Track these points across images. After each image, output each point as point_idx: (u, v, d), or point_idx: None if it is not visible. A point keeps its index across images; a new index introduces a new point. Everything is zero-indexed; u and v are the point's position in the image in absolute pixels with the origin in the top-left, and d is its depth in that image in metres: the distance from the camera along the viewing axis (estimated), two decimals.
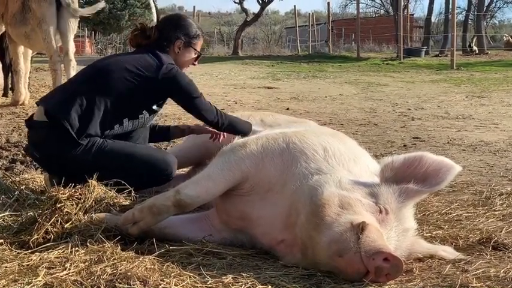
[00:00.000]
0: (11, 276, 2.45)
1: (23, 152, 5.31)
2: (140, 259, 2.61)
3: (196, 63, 4.14)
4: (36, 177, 4.31)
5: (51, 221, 2.94)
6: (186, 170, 4.42)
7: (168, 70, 3.79)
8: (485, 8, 34.35)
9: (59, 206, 3.02)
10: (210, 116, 3.88)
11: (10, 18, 8.53)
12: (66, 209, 3.01)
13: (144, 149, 3.86)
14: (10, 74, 9.80)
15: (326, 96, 11.76)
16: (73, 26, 8.30)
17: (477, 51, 27.03)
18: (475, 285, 2.41)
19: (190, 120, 6.52)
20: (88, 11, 8.54)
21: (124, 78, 3.74)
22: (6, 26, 8.77)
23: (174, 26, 4.02)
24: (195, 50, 4.05)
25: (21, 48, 9.04)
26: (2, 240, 2.88)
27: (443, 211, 3.69)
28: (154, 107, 3.90)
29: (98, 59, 4.18)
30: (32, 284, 2.36)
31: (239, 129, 3.92)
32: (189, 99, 3.87)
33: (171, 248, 2.84)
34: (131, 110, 3.81)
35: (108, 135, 3.75)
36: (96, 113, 3.68)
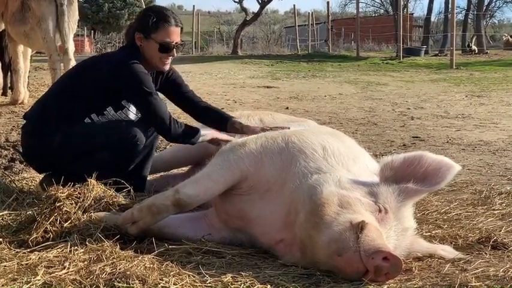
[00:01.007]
0: (10, 275, 2.45)
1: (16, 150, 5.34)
2: (139, 258, 2.61)
3: (172, 53, 3.87)
4: (35, 177, 4.31)
5: (50, 220, 2.94)
6: (185, 169, 4.41)
7: (119, 61, 3.75)
8: (484, 8, 34.35)
9: (58, 205, 3.02)
10: (162, 120, 3.72)
11: (10, 17, 8.53)
12: (65, 208, 3.02)
13: (105, 123, 3.82)
14: (9, 73, 9.79)
15: (325, 96, 11.76)
16: (72, 25, 8.30)
17: (476, 51, 27.02)
18: (474, 284, 2.40)
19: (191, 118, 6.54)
20: None
21: (84, 74, 3.83)
22: (6, 25, 8.77)
23: (135, 20, 4.01)
24: (156, 41, 3.80)
25: (20, 47, 9.04)
26: (1, 239, 2.88)
27: (442, 210, 3.69)
28: (123, 102, 3.85)
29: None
30: (31, 283, 2.36)
31: (188, 140, 3.83)
32: (138, 93, 3.71)
33: (170, 247, 2.84)
34: (95, 104, 3.80)
35: None
36: (55, 109, 3.76)
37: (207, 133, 3.88)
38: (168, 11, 3.90)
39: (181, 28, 3.94)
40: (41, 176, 4.05)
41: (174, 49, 3.87)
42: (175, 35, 3.86)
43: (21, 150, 4.01)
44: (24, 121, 3.97)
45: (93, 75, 3.78)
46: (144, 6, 9.56)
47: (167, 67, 3.94)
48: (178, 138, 3.83)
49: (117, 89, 3.74)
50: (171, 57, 3.90)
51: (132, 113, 3.90)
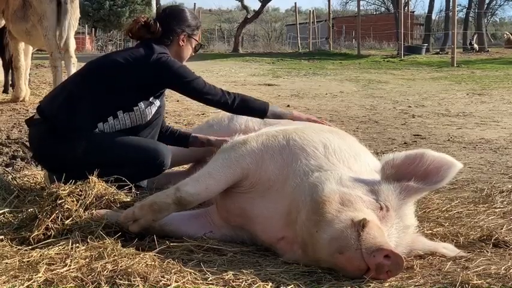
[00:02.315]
0: (11, 272, 2.45)
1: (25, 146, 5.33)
2: (141, 255, 2.61)
3: (194, 53, 4.14)
4: (37, 174, 4.31)
5: (51, 218, 2.95)
6: (186, 167, 4.42)
7: (157, 57, 3.75)
8: (486, 6, 34.33)
9: (59, 202, 3.03)
10: (215, 97, 3.79)
11: (11, 14, 8.52)
12: (66, 206, 3.02)
13: (135, 139, 3.81)
14: (10, 71, 9.78)
15: (326, 94, 11.76)
16: (74, 22, 8.29)
17: (477, 49, 27.00)
18: (475, 282, 2.40)
19: (191, 117, 6.52)
20: None
21: (113, 70, 3.77)
22: (7, 23, 8.76)
23: (178, 19, 4.01)
24: (196, 41, 4.06)
25: (21, 45, 9.03)
26: (2, 237, 2.89)
27: (443, 208, 3.69)
28: (151, 99, 3.84)
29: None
30: (32, 280, 2.37)
31: (254, 107, 3.83)
32: (184, 84, 3.78)
33: (171, 244, 2.84)
34: (124, 101, 3.76)
35: (105, 130, 3.74)
36: (83, 105, 3.70)
37: (284, 110, 3.92)
38: None
39: None
40: (42, 172, 4.06)
41: None
42: None
43: (29, 146, 3.94)
44: (31, 114, 3.91)
45: (130, 73, 3.74)
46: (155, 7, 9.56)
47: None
48: (243, 110, 3.86)
49: (155, 85, 3.80)
50: None
51: (156, 106, 3.92)
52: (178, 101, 8.96)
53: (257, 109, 3.82)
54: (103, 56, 4.09)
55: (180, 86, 3.82)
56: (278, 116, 3.82)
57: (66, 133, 3.67)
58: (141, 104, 3.80)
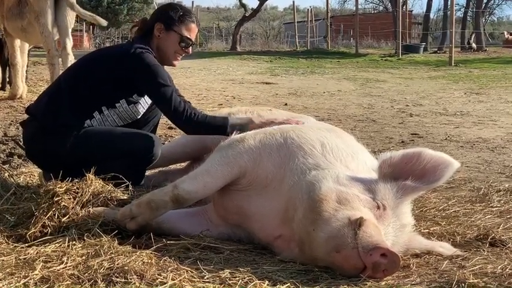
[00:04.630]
0: (7, 270, 2.45)
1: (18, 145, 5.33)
2: (137, 253, 2.61)
3: (188, 51, 3.98)
4: (34, 171, 4.31)
5: (48, 215, 2.94)
6: (183, 164, 4.41)
7: (133, 50, 3.73)
8: (484, 5, 34.30)
9: (56, 199, 3.02)
10: (176, 111, 3.64)
11: (6, 11, 8.52)
12: (63, 203, 3.02)
13: (124, 130, 3.82)
14: (7, 68, 9.78)
15: (324, 92, 11.76)
16: (71, 20, 8.29)
17: (476, 48, 27.01)
18: (471, 281, 2.40)
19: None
20: (87, 16, 8.47)
21: (94, 67, 3.82)
22: (2, 20, 8.75)
23: (157, 12, 4.05)
24: (178, 33, 3.90)
25: (17, 42, 9.03)
26: None
27: (440, 207, 3.69)
28: (135, 97, 3.84)
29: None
30: (28, 278, 2.36)
31: (216, 124, 3.65)
32: (153, 84, 3.68)
33: (168, 242, 2.84)
34: (104, 97, 3.79)
35: (94, 126, 3.78)
36: (65, 102, 3.74)
37: (243, 119, 3.71)
38: (191, 11, 4.08)
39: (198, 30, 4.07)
40: (39, 169, 4.06)
41: (190, 46, 3.99)
42: (194, 33, 3.99)
43: (22, 145, 3.98)
44: (27, 116, 3.95)
45: (105, 66, 3.78)
46: (156, 4, 9.60)
47: (178, 63, 4.02)
48: (199, 130, 3.71)
49: (129, 79, 3.73)
50: (183, 54, 3.98)
51: (142, 107, 3.91)
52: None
53: (219, 125, 3.64)
54: (89, 53, 4.11)
55: (146, 85, 3.73)
56: (239, 128, 3.52)
57: (54, 130, 3.72)
58: (123, 101, 3.81)
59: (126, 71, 3.72)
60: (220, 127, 3.62)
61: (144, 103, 3.91)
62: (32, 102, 4.18)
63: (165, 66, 3.91)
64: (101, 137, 3.72)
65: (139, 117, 3.93)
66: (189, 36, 3.94)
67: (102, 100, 3.79)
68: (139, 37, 3.94)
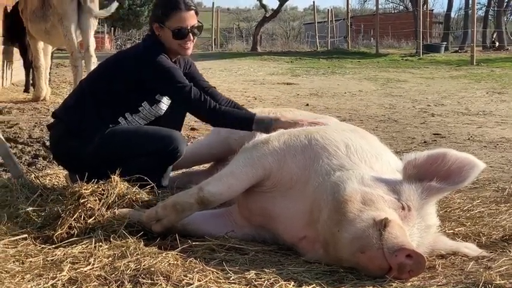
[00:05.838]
0: (36, 271, 2.48)
1: (45, 147, 5.39)
2: (163, 254, 2.63)
3: (188, 38, 3.82)
4: (59, 173, 4.33)
5: (74, 216, 2.97)
6: (207, 166, 4.43)
7: (145, 57, 3.75)
8: (505, 4, 34.01)
9: (82, 201, 3.05)
10: (199, 108, 3.67)
11: (30, 14, 8.60)
12: (89, 205, 3.04)
13: (148, 128, 3.83)
14: (31, 70, 9.86)
15: (345, 92, 11.73)
16: (93, 22, 8.35)
17: (497, 46, 26.76)
18: (498, 282, 2.39)
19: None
20: (102, 13, 8.54)
21: (110, 72, 3.85)
22: (26, 22, 8.83)
23: (151, 11, 4.05)
24: (169, 29, 3.77)
25: (40, 44, 9.10)
26: (26, 235, 2.92)
27: (465, 208, 3.67)
28: (157, 97, 3.86)
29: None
30: (56, 279, 2.39)
31: (238, 122, 3.67)
32: (170, 89, 3.73)
33: (193, 243, 2.85)
34: (127, 101, 3.82)
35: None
36: (89, 106, 3.77)
37: (271, 116, 3.70)
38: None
39: (196, 10, 3.87)
40: (64, 171, 4.11)
41: (190, 33, 3.82)
42: (188, 19, 3.80)
43: (48, 146, 4.03)
44: (52, 119, 4.00)
45: (119, 72, 3.79)
46: None
47: (189, 52, 3.88)
48: (224, 120, 3.70)
49: (146, 82, 3.74)
50: (189, 42, 3.85)
51: (164, 104, 3.93)
52: None
53: (245, 117, 3.66)
54: (111, 56, 4.09)
55: (165, 90, 3.78)
56: (265, 126, 3.56)
57: (79, 133, 3.76)
58: (145, 104, 3.85)
59: (141, 75, 3.74)
60: (246, 119, 3.64)
61: (166, 100, 3.91)
62: (56, 104, 4.23)
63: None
64: (126, 136, 3.75)
65: (162, 113, 3.97)
66: (181, 26, 3.77)
67: (124, 106, 3.81)
68: (149, 36, 3.97)
